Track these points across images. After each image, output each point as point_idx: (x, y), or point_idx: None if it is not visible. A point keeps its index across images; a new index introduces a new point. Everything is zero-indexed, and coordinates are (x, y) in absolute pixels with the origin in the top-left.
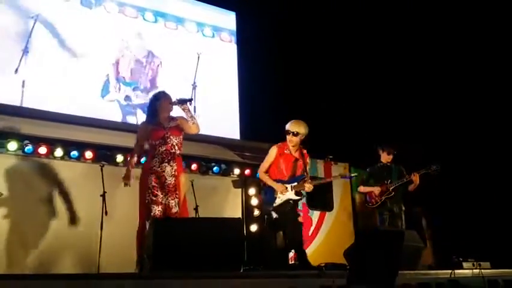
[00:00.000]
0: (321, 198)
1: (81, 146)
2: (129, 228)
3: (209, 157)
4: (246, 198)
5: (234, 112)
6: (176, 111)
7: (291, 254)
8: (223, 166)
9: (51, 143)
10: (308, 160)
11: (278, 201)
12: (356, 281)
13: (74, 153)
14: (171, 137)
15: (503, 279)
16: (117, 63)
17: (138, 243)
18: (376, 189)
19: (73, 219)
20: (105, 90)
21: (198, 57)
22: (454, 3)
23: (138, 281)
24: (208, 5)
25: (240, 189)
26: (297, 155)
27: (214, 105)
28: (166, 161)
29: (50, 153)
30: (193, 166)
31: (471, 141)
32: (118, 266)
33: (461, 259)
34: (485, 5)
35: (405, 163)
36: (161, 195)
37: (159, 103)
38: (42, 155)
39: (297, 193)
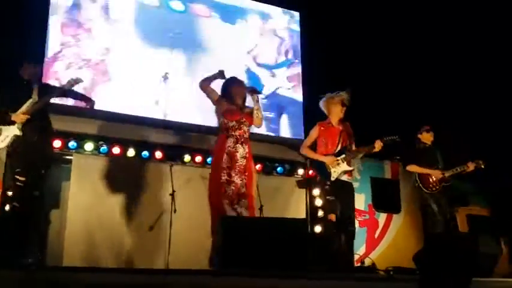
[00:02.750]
0: (387, 200)
1: (151, 146)
2: (197, 226)
3: (273, 157)
4: (310, 198)
5: (298, 112)
6: None
7: (356, 256)
8: (287, 166)
9: (124, 144)
10: (351, 130)
11: (335, 175)
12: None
13: (145, 153)
14: (246, 123)
15: None
16: None
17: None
18: (436, 173)
19: (144, 218)
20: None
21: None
22: None
23: (208, 276)
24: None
25: (303, 190)
26: (340, 127)
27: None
28: (239, 142)
29: (123, 153)
30: (258, 166)
31: None
32: (186, 262)
33: None
34: None
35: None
36: (233, 175)
37: (232, 87)
38: (116, 155)
39: (349, 163)
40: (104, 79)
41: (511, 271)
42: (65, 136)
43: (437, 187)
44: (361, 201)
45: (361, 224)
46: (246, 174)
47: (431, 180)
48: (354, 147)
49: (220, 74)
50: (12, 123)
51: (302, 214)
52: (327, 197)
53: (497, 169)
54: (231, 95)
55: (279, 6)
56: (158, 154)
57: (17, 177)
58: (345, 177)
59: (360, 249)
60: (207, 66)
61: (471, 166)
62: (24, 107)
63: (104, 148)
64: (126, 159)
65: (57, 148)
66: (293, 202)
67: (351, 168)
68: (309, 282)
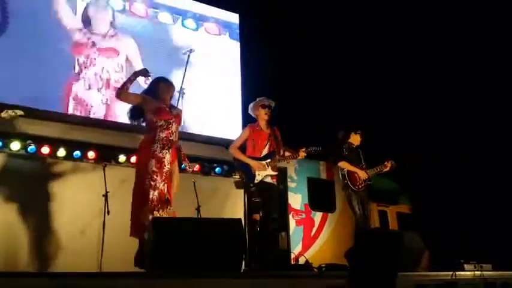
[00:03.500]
0: (323, 199)
1: (84, 146)
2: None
3: (212, 158)
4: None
5: (236, 112)
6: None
7: (293, 254)
8: (225, 167)
9: (54, 143)
10: (279, 134)
11: (259, 178)
12: (355, 282)
13: (77, 153)
14: (174, 124)
15: (503, 282)
16: None
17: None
18: (362, 173)
19: (75, 219)
20: None
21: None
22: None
23: (140, 279)
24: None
25: (241, 190)
26: (269, 131)
27: (217, 105)
28: (167, 147)
29: (53, 153)
30: (196, 167)
31: (473, 137)
32: (120, 265)
33: (462, 261)
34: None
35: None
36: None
37: (160, 85)
38: (45, 154)
39: (274, 168)
40: None
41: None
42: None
43: (362, 185)
44: (297, 201)
45: (298, 223)
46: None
47: (358, 178)
48: (282, 152)
49: (141, 72)
50: None
51: (240, 214)
52: (252, 199)
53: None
54: (158, 92)
55: None
56: (91, 154)
57: None
58: (269, 179)
59: (296, 247)
60: None
61: (388, 165)
62: None
63: (31, 147)
64: (56, 159)
65: None
66: (231, 202)
67: (275, 173)
68: (243, 282)
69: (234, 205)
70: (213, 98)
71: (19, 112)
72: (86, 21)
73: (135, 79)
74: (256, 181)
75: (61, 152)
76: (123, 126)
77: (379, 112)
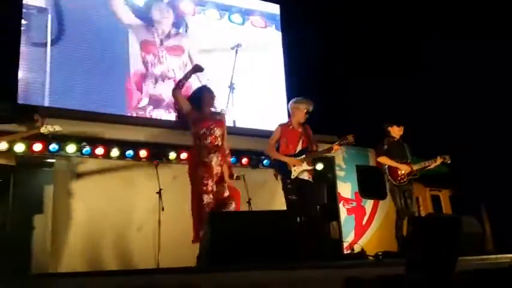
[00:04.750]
0: (373, 187)
1: (135, 145)
2: (186, 222)
3: (259, 150)
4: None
5: (281, 104)
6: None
7: (346, 244)
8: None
9: (108, 144)
10: (311, 132)
11: (294, 174)
12: (414, 269)
13: (129, 152)
14: (216, 129)
15: None
16: None
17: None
18: (405, 168)
19: (131, 217)
20: None
21: (236, 50)
22: None
23: (198, 275)
24: None
25: None
26: (300, 129)
27: (264, 98)
28: (213, 151)
29: (107, 154)
30: (244, 160)
31: None
32: (178, 260)
33: None
34: None
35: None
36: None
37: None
38: (99, 156)
39: (309, 163)
40: None
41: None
42: (46, 139)
43: (405, 180)
44: (347, 189)
45: (349, 212)
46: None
47: (399, 173)
48: (315, 148)
49: (196, 69)
50: None
51: None
52: (288, 196)
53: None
54: (202, 102)
55: None
56: (143, 153)
57: None
58: (305, 176)
59: (348, 237)
60: None
61: (438, 161)
62: None
63: (86, 149)
64: (110, 159)
65: (37, 152)
66: (280, 194)
67: (310, 168)
68: (302, 273)
69: (283, 197)
70: (260, 91)
71: (57, 128)
72: (150, 21)
73: (191, 76)
74: (292, 177)
75: (114, 153)
76: (171, 124)
77: (431, 104)
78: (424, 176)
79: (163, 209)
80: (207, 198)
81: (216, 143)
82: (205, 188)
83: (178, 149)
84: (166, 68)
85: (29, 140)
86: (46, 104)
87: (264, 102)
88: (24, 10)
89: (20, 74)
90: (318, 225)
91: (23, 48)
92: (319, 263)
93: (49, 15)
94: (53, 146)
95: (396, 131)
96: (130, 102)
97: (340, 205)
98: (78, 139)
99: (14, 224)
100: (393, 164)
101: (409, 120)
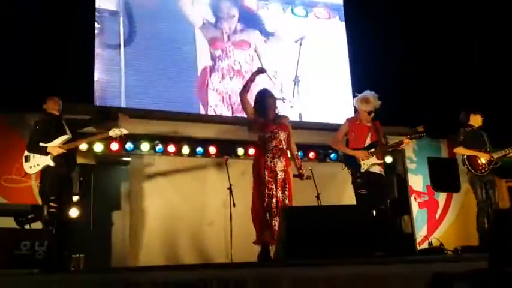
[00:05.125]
0: (446, 179)
1: (205, 143)
2: None
3: (326, 144)
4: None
5: (347, 96)
6: None
7: (420, 238)
8: (340, 152)
9: (179, 141)
10: (379, 126)
11: (364, 167)
12: (500, 263)
13: (199, 149)
14: (280, 133)
15: None
16: None
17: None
18: (485, 156)
19: (204, 213)
20: None
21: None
22: None
23: (273, 268)
24: None
25: None
26: (369, 124)
27: (329, 91)
28: (277, 156)
29: (178, 151)
30: (311, 154)
31: None
32: (250, 255)
33: None
34: None
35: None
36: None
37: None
38: (171, 153)
39: (379, 157)
40: None
41: None
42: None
43: (487, 169)
44: (419, 182)
45: (421, 206)
46: (287, 187)
47: (480, 162)
48: (384, 142)
49: (259, 71)
50: (46, 154)
51: None
52: (358, 191)
53: None
54: (265, 106)
55: None
56: (212, 149)
57: (52, 204)
58: (376, 169)
59: (421, 231)
60: None
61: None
62: (58, 141)
63: (159, 147)
64: (181, 156)
65: (114, 151)
66: (350, 188)
67: (380, 161)
68: (380, 268)
69: (351, 190)
70: (325, 83)
71: (124, 131)
72: (217, 18)
73: (255, 79)
74: (362, 170)
75: (185, 150)
76: (239, 121)
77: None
78: (499, 168)
79: (234, 205)
80: (271, 202)
81: (280, 147)
82: (269, 192)
83: (246, 145)
84: (232, 61)
85: (107, 140)
86: (123, 105)
87: (329, 95)
88: (97, 14)
89: (96, 76)
90: (389, 220)
91: (98, 50)
92: (402, 258)
93: (120, 18)
94: (129, 145)
95: (478, 119)
96: (198, 100)
97: (412, 199)
98: (151, 138)
99: (96, 221)
100: (472, 153)
101: (483, 109)
